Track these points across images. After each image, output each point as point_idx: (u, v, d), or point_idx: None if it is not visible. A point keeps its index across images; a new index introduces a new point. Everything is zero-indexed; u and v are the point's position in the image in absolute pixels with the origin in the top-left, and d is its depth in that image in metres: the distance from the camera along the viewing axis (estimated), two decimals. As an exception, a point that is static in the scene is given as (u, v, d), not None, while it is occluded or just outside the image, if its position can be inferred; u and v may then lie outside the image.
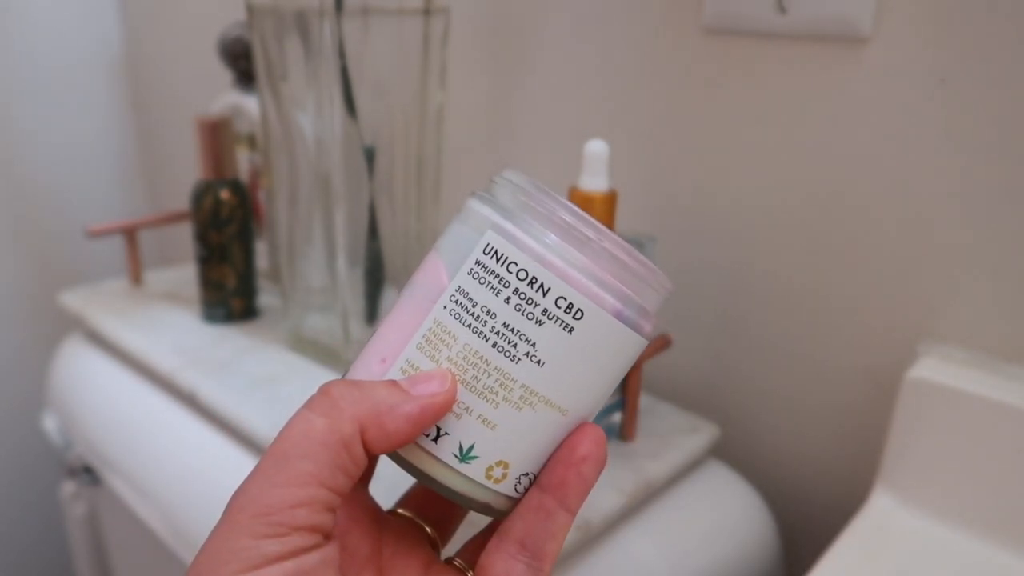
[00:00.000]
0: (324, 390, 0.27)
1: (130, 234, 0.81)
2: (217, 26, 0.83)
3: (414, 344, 0.28)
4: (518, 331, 0.27)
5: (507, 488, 0.29)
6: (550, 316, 0.27)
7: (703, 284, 0.64)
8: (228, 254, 0.72)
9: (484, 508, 0.29)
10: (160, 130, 1.19)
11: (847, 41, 0.52)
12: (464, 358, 0.27)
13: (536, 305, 0.27)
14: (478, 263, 0.28)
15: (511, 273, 0.27)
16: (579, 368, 0.28)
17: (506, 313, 0.27)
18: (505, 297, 0.27)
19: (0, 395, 1.12)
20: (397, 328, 0.29)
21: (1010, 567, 0.47)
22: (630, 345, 0.29)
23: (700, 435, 0.59)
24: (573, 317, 0.27)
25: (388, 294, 0.65)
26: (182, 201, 1.15)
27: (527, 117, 0.71)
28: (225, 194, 0.71)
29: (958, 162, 0.50)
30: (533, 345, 0.27)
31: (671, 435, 0.59)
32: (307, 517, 0.25)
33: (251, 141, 0.80)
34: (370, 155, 0.60)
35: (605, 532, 0.52)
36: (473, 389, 0.27)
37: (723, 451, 0.65)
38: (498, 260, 0.27)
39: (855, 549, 0.48)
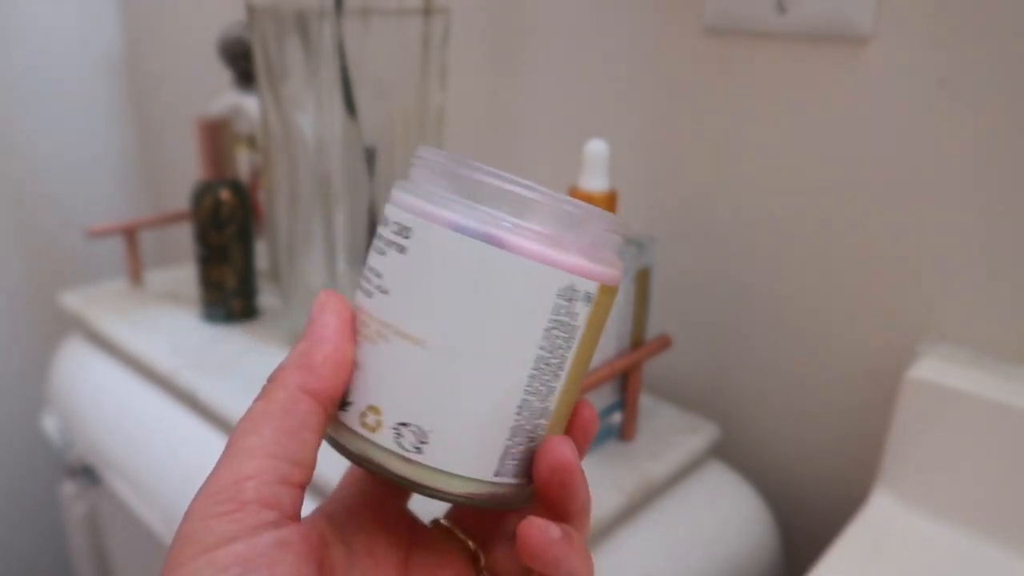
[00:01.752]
0: (271, 375, 0.27)
1: (130, 234, 0.81)
2: (217, 26, 0.83)
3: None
4: (372, 268, 0.27)
5: (386, 440, 0.26)
6: (388, 243, 0.27)
7: (703, 284, 0.64)
8: (228, 254, 0.72)
9: (367, 463, 0.27)
10: (160, 130, 1.19)
11: (847, 41, 0.52)
12: (355, 317, 0.28)
13: (381, 238, 0.27)
14: (378, 236, 0.28)
15: (383, 227, 0.28)
16: (420, 288, 0.26)
17: (369, 258, 0.28)
18: (376, 247, 0.28)
19: (0, 395, 1.12)
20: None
21: (1010, 567, 0.47)
22: (491, 263, 0.25)
23: (700, 435, 0.59)
24: (403, 236, 0.26)
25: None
26: (182, 201, 1.15)
27: (527, 117, 0.71)
28: (225, 194, 0.71)
29: (958, 162, 0.50)
30: (379, 276, 0.27)
31: (671, 435, 0.59)
32: (255, 490, 0.24)
33: (251, 141, 0.80)
34: (370, 155, 0.60)
35: (605, 532, 0.52)
36: (356, 340, 0.27)
37: (723, 451, 0.65)
38: (384, 225, 0.28)
39: (855, 549, 0.48)
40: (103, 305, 0.77)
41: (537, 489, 0.27)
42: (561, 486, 0.27)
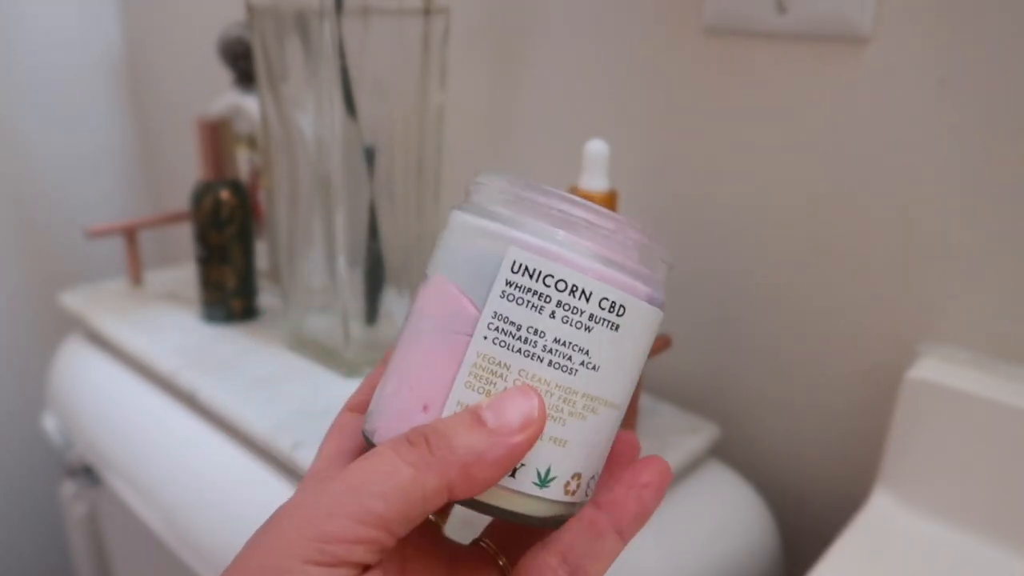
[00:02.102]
0: (413, 439, 0.25)
1: (130, 234, 0.81)
2: (217, 26, 0.83)
3: (461, 383, 0.26)
4: (570, 343, 0.26)
5: (581, 496, 0.28)
6: (597, 320, 0.26)
7: (703, 283, 0.64)
8: (228, 254, 0.72)
9: (563, 522, 0.28)
10: (160, 130, 1.19)
11: (847, 41, 0.52)
12: (542, 394, 0.26)
13: (582, 313, 0.26)
14: (509, 283, 0.26)
15: (548, 287, 0.26)
16: (627, 361, 0.28)
17: (554, 328, 0.26)
18: (550, 312, 0.26)
19: (0, 395, 1.12)
20: (430, 368, 0.27)
21: (1010, 567, 0.47)
22: (657, 323, 0.29)
23: (700, 435, 0.59)
24: (617, 315, 0.27)
25: (388, 294, 0.65)
26: (182, 201, 1.15)
27: (527, 117, 0.71)
28: (225, 194, 0.71)
29: (958, 162, 0.50)
30: (587, 353, 0.26)
31: (671, 435, 0.59)
32: (362, 555, 0.24)
33: (251, 141, 0.80)
34: (370, 155, 0.60)
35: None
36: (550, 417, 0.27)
37: (723, 451, 0.65)
38: (531, 276, 0.26)
39: (855, 549, 0.48)
40: (103, 305, 0.77)
41: (621, 503, 0.28)
42: (656, 495, 0.28)
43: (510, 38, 0.70)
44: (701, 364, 0.66)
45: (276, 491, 0.54)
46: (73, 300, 0.79)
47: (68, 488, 0.82)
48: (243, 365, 0.66)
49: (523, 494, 0.27)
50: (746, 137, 0.58)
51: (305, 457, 0.53)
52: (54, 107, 1.11)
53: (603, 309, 0.26)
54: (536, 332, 0.26)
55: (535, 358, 0.26)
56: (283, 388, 0.61)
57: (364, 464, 0.25)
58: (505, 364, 0.26)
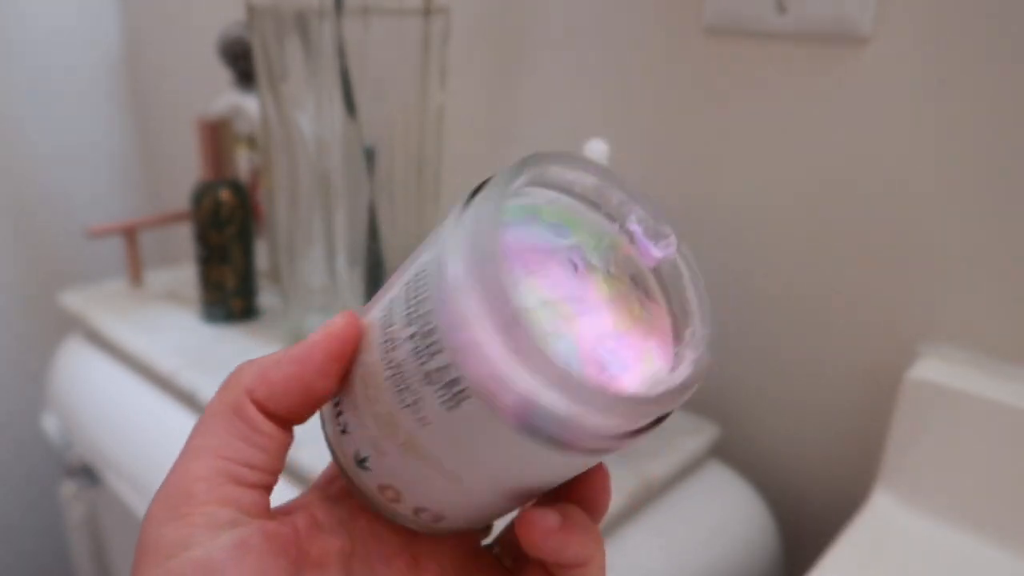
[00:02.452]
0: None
1: (130, 234, 0.81)
2: (217, 26, 0.83)
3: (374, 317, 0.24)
4: (408, 377, 0.22)
5: (406, 512, 0.25)
6: (433, 381, 0.21)
7: (704, 284, 0.64)
8: (228, 254, 0.72)
9: (400, 519, 0.26)
10: (160, 130, 1.19)
11: (847, 41, 0.52)
12: (372, 373, 0.23)
13: (424, 361, 0.21)
14: (415, 276, 0.22)
15: (422, 312, 0.21)
16: (470, 452, 0.22)
17: (404, 352, 0.22)
18: (410, 333, 0.22)
19: (0, 395, 1.12)
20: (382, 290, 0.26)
21: (1010, 567, 0.47)
22: (551, 459, 0.22)
23: (700, 435, 0.59)
24: (455, 395, 0.21)
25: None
26: (182, 201, 1.15)
27: (527, 117, 0.71)
28: (225, 194, 0.71)
29: (958, 162, 0.50)
30: (416, 401, 0.22)
31: (672, 435, 0.59)
32: (207, 492, 0.23)
33: (251, 141, 0.80)
34: (370, 155, 0.60)
35: (606, 532, 0.52)
36: (370, 410, 0.24)
37: (723, 451, 0.65)
38: (419, 285, 0.22)
39: (855, 549, 0.48)
40: (103, 305, 0.77)
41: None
42: (557, 552, 0.24)
43: (510, 38, 0.70)
44: (701, 364, 0.66)
45: (276, 491, 0.54)
46: (73, 300, 0.79)
47: (68, 488, 0.82)
48: (243, 365, 0.65)
49: (344, 453, 0.26)
50: (746, 137, 0.58)
51: (305, 457, 0.53)
52: (54, 107, 1.11)
53: (443, 375, 0.21)
54: (394, 340, 0.22)
55: (385, 360, 0.23)
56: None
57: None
58: (374, 339, 0.23)
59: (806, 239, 0.58)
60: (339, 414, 0.25)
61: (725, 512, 0.59)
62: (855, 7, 0.51)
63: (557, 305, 0.23)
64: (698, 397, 0.67)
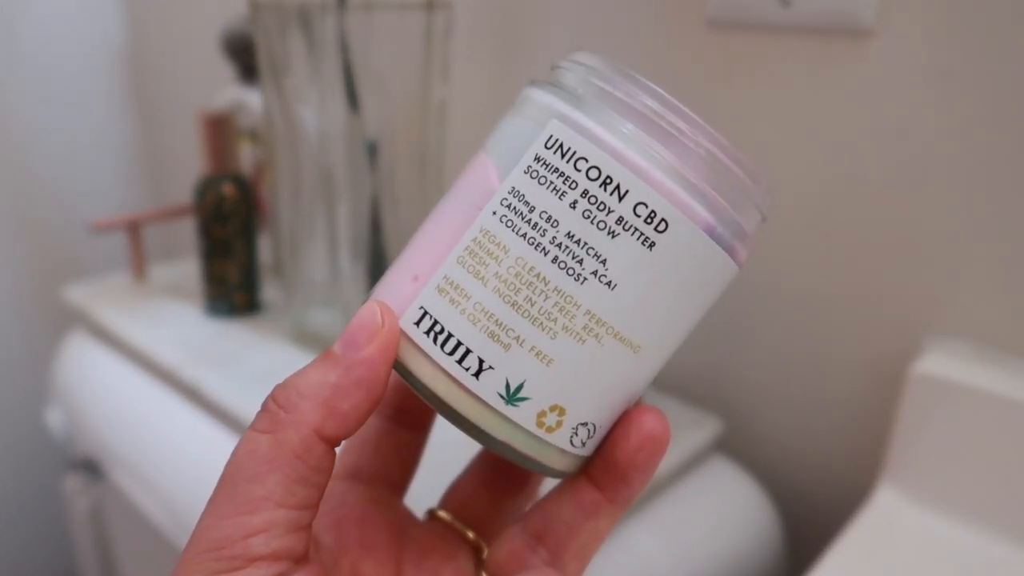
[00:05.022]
0: (264, 404, 0.23)
1: (133, 229, 0.81)
2: (220, 20, 0.83)
3: (454, 258, 0.23)
4: (586, 244, 0.22)
5: (560, 440, 0.23)
6: (626, 227, 0.22)
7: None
8: (231, 249, 0.72)
9: (531, 463, 0.24)
10: (163, 125, 1.19)
11: (850, 34, 0.52)
12: (517, 275, 0.22)
13: (610, 212, 0.22)
14: (538, 159, 0.22)
15: (579, 171, 0.22)
16: (658, 295, 0.22)
17: (571, 221, 0.22)
18: (571, 201, 0.22)
19: (3, 390, 1.12)
20: (434, 239, 0.24)
21: (1016, 563, 0.47)
22: (721, 272, 0.23)
23: (703, 429, 0.59)
24: (655, 229, 0.22)
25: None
26: (185, 195, 1.15)
27: (530, 111, 0.71)
28: (228, 189, 0.70)
29: (962, 155, 0.50)
30: (603, 262, 0.22)
31: (674, 429, 0.58)
32: (265, 545, 0.22)
33: (254, 136, 0.80)
34: (373, 150, 0.60)
35: (608, 526, 0.52)
36: (527, 314, 0.22)
37: (727, 445, 0.65)
38: (563, 155, 0.22)
39: (860, 544, 0.48)
40: (106, 299, 0.78)
41: (613, 459, 0.24)
42: (648, 460, 0.24)
43: (513, 31, 0.70)
44: (704, 358, 0.66)
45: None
46: (76, 294, 0.79)
47: (71, 482, 0.82)
48: (246, 359, 0.66)
49: (482, 402, 0.23)
50: (749, 130, 0.58)
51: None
52: (57, 101, 1.11)
53: (637, 216, 0.22)
54: (550, 220, 0.22)
55: (540, 248, 0.22)
56: (286, 382, 0.61)
57: (232, 455, 0.23)
58: (504, 246, 0.22)
59: (809, 232, 0.58)
60: (465, 355, 0.23)
61: (728, 507, 0.58)
62: (858, 0, 0.51)
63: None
64: (701, 390, 0.67)
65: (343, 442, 0.29)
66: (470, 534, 0.29)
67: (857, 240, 0.55)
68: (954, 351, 0.52)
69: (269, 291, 0.78)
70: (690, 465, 0.59)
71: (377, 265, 0.63)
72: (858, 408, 0.59)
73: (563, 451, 0.24)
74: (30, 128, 1.09)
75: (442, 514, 0.29)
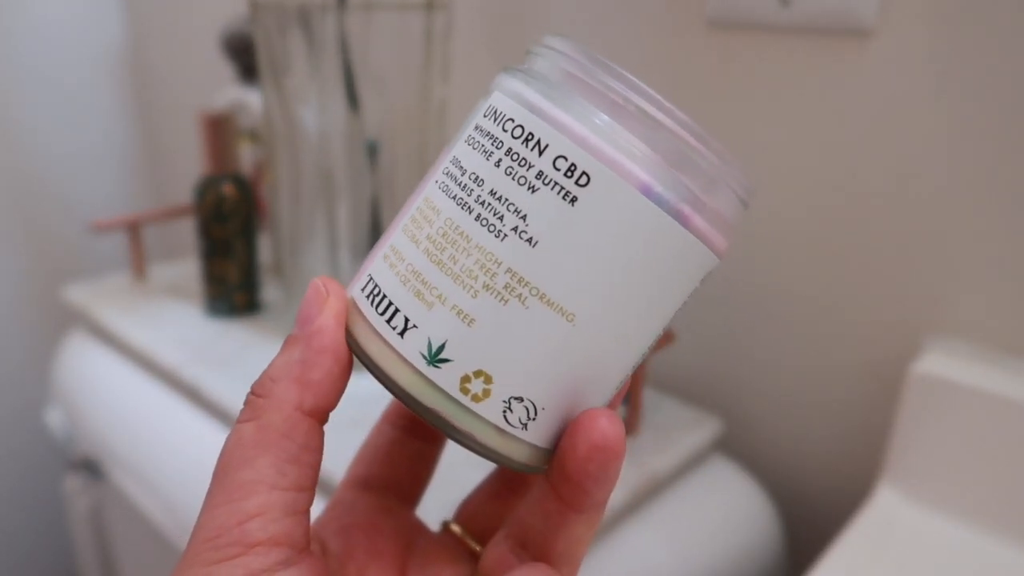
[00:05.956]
0: (245, 400, 0.24)
1: (133, 229, 0.81)
2: (220, 21, 0.83)
3: (400, 226, 0.23)
4: (506, 200, 0.21)
5: (491, 413, 0.22)
6: (545, 180, 0.21)
7: (706, 278, 0.64)
8: (231, 249, 0.72)
9: (469, 441, 0.23)
10: (163, 125, 1.19)
11: (850, 34, 0.52)
12: (444, 235, 0.22)
13: (529, 167, 0.21)
14: (476, 127, 0.23)
15: (506, 132, 0.22)
16: (587, 255, 0.21)
17: (495, 178, 0.22)
18: (496, 160, 0.22)
19: (3, 390, 1.12)
20: (396, 219, 0.24)
21: (1015, 562, 0.47)
22: (672, 239, 0.22)
23: (704, 429, 0.59)
24: (576, 183, 0.21)
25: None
26: (185, 196, 1.15)
27: (530, 111, 0.71)
28: (228, 189, 0.70)
29: (963, 155, 0.50)
30: (523, 218, 0.21)
31: (675, 429, 0.59)
32: (262, 529, 0.21)
33: (254, 136, 0.80)
34: (373, 149, 0.60)
35: (609, 527, 0.52)
36: (449, 271, 0.22)
37: (727, 445, 0.65)
38: (495, 120, 0.22)
39: (860, 544, 0.48)
40: (106, 299, 0.78)
41: (565, 469, 0.23)
42: (601, 469, 0.22)
43: (513, 31, 0.70)
44: (704, 359, 0.66)
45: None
46: (76, 294, 0.79)
47: (72, 482, 0.82)
48: (247, 359, 0.66)
49: (406, 362, 0.22)
50: (749, 131, 0.58)
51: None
52: (57, 102, 1.11)
53: (557, 169, 0.21)
54: (476, 179, 0.22)
55: (465, 207, 0.22)
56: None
57: (221, 450, 0.23)
58: (437, 209, 0.22)
59: (809, 232, 0.58)
60: (393, 314, 0.23)
61: (728, 507, 0.58)
62: (858, 0, 0.51)
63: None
64: (701, 391, 0.67)
65: (356, 452, 0.29)
66: (476, 547, 0.29)
67: (857, 240, 0.55)
68: (953, 351, 0.52)
69: (269, 291, 0.78)
70: (690, 465, 0.59)
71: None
72: (858, 408, 0.59)
73: (500, 430, 0.22)
74: (30, 128, 1.09)
75: (453, 527, 0.29)
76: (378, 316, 0.23)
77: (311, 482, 0.23)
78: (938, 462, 0.50)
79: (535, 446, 0.23)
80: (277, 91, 0.61)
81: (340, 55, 0.56)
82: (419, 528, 0.30)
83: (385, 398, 0.30)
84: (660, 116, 0.22)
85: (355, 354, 0.24)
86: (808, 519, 0.63)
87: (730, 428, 0.64)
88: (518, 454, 0.23)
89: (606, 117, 0.21)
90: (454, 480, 0.33)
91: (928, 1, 0.49)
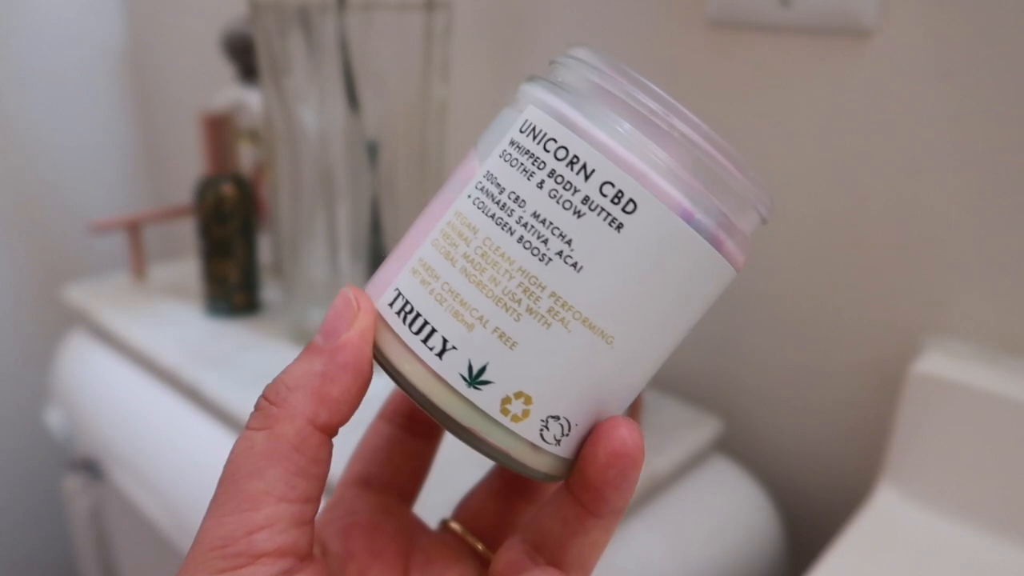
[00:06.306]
0: (256, 404, 0.24)
1: (133, 229, 0.81)
2: (220, 21, 0.83)
3: (429, 240, 0.23)
4: (551, 223, 0.21)
5: (529, 432, 0.22)
6: (592, 206, 0.21)
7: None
8: (231, 249, 0.72)
9: (504, 457, 0.23)
10: (163, 125, 1.19)
11: (851, 34, 0.52)
12: (483, 255, 0.22)
13: (575, 191, 0.21)
14: (512, 143, 0.22)
15: (548, 152, 0.22)
16: (630, 281, 0.22)
17: (538, 200, 0.22)
18: (539, 181, 0.22)
19: (3, 390, 1.12)
20: (418, 226, 0.24)
21: (1016, 563, 0.47)
22: (708, 267, 0.23)
23: (704, 429, 0.59)
24: (623, 209, 0.21)
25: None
26: (185, 196, 1.15)
27: (530, 111, 0.71)
28: (228, 189, 0.70)
29: (963, 155, 0.50)
30: (568, 242, 0.21)
31: (675, 429, 0.59)
32: (269, 540, 0.22)
33: (254, 136, 0.80)
34: (373, 150, 0.60)
35: (608, 526, 0.52)
36: (490, 294, 0.22)
37: (727, 445, 0.65)
38: (535, 137, 0.22)
39: (860, 543, 0.48)
40: (106, 299, 0.78)
41: (585, 476, 0.23)
42: (620, 477, 0.23)
43: (513, 31, 0.70)
44: (705, 358, 0.66)
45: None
46: (76, 294, 0.79)
47: (71, 482, 0.82)
48: (246, 359, 0.66)
49: (445, 383, 0.22)
50: (749, 131, 0.58)
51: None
52: (57, 102, 1.11)
53: (604, 195, 0.21)
54: (517, 200, 0.22)
55: (506, 228, 0.22)
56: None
57: (230, 454, 0.23)
58: (474, 227, 0.22)
59: (809, 232, 0.58)
60: (430, 334, 0.22)
61: (729, 507, 0.58)
62: (858, 0, 0.51)
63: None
64: (702, 391, 0.67)
65: (354, 450, 0.29)
66: (479, 546, 0.29)
67: (856, 240, 0.55)
68: (953, 351, 0.52)
69: (269, 291, 0.78)
70: (690, 465, 0.59)
71: (377, 265, 0.63)
72: (858, 408, 0.59)
73: (535, 447, 0.23)
74: (30, 128, 1.09)
75: (453, 525, 0.29)
76: (412, 335, 0.23)
77: (318, 493, 0.23)
78: (938, 462, 0.50)
79: (562, 458, 0.24)
80: (277, 91, 0.61)
81: (340, 55, 0.56)
82: (419, 526, 0.30)
83: (382, 397, 0.30)
84: (702, 142, 0.22)
85: (384, 370, 0.24)
86: (808, 519, 0.63)
87: (730, 428, 0.64)
88: (545, 466, 0.23)
89: (650, 143, 0.22)
90: (450, 479, 0.33)
91: (928, 1, 0.49)
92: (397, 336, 0.23)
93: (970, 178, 0.50)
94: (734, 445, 0.65)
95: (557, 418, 0.23)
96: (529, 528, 0.26)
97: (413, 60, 0.59)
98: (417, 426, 0.30)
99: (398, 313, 0.23)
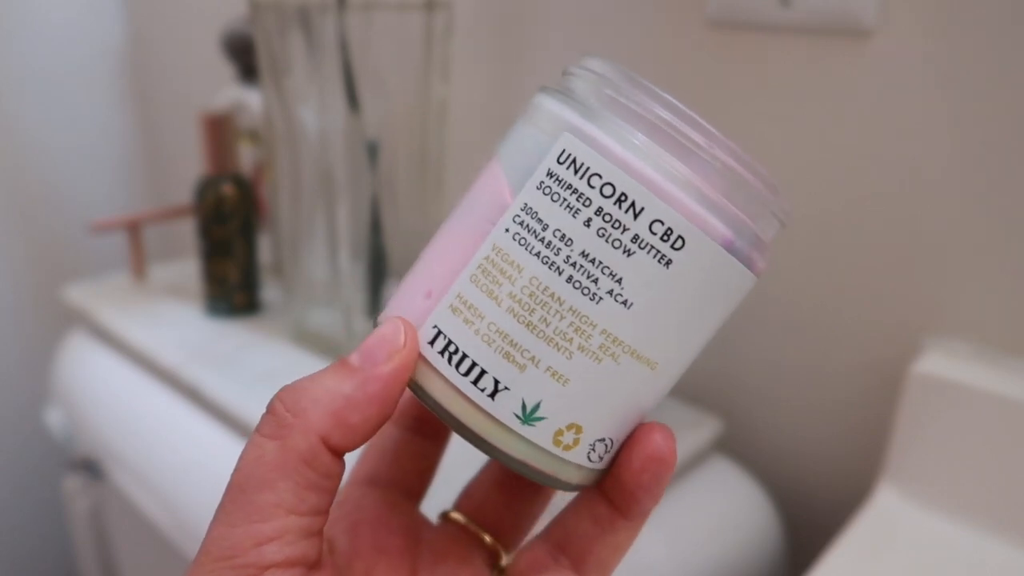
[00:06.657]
0: (270, 407, 0.23)
1: (133, 229, 0.81)
2: (220, 21, 0.83)
3: (467, 275, 0.23)
4: (601, 263, 0.21)
5: (578, 457, 0.23)
6: (642, 245, 0.21)
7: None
8: (231, 249, 0.72)
9: (549, 480, 0.24)
10: (163, 125, 1.19)
11: (851, 34, 0.52)
12: (531, 295, 0.22)
13: (625, 230, 0.21)
14: (550, 175, 0.22)
15: (593, 188, 0.21)
16: (675, 312, 0.22)
17: (586, 239, 0.21)
18: (585, 219, 0.21)
19: (3, 390, 1.12)
20: (447, 254, 0.24)
21: (1015, 562, 0.47)
22: (739, 284, 0.23)
23: (704, 429, 0.59)
24: (672, 247, 0.21)
25: (390, 288, 0.65)
26: (185, 196, 1.15)
27: (530, 111, 0.71)
28: (228, 189, 0.70)
29: (963, 155, 0.50)
30: (619, 281, 0.21)
31: (675, 430, 0.58)
32: (278, 552, 0.22)
33: (254, 136, 0.80)
34: (373, 149, 0.60)
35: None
36: (542, 334, 0.22)
37: (727, 445, 0.65)
38: (576, 171, 0.22)
39: (860, 544, 0.48)
40: (106, 299, 0.78)
41: (620, 479, 0.24)
42: (654, 480, 0.24)
43: (513, 31, 0.70)
44: (704, 359, 0.66)
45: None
46: (76, 294, 0.79)
47: (71, 482, 0.82)
48: (246, 359, 0.66)
49: (499, 423, 0.22)
50: (749, 131, 0.58)
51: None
52: (57, 102, 1.11)
53: (654, 233, 0.21)
54: (563, 238, 0.22)
55: (554, 267, 0.22)
56: (286, 382, 0.61)
57: (239, 460, 0.23)
58: (518, 266, 0.22)
59: (809, 232, 0.58)
60: (480, 376, 0.22)
61: (729, 507, 0.58)
62: (858, 0, 0.51)
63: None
64: (702, 391, 0.66)
65: (361, 449, 0.29)
66: (486, 537, 0.29)
67: (856, 240, 0.55)
68: (953, 351, 0.52)
69: (269, 291, 0.78)
70: (690, 465, 0.59)
71: (377, 265, 0.63)
72: (858, 408, 0.59)
73: (580, 467, 0.24)
74: (30, 128, 1.09)
75: (456, 516, 0.29)
76: (460, 376, 0.23)
77: (328, 504, 0.23)
78: (938, 462, 0.50)
79: (598, 470, 0.24)
80: (277, 91, 0.61)
81: (340, 55, 0.56)
82: (424, 523, 0.30)
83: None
84: (738, 167, 0.22)
85: (427, 405, 0.23)
86: (808, 519, 0.63)
87: (730, 428, 0.64)
88: (581, 480, 0.24)
89: (688, 171, 0.22)
90: (456, 478, 0.33)
91: (928, 2, 0.49)
92: (442, 375, 0.23)
93: (970, 178, 0.50)
94: (734, 445, 0.65)
95: (603, 440, 0.24)
96: (553, 527, 0.26)
97: (413, 60, 0.59)
98: (425, 427, 0.30)
99: (441, 353, 0.23)
